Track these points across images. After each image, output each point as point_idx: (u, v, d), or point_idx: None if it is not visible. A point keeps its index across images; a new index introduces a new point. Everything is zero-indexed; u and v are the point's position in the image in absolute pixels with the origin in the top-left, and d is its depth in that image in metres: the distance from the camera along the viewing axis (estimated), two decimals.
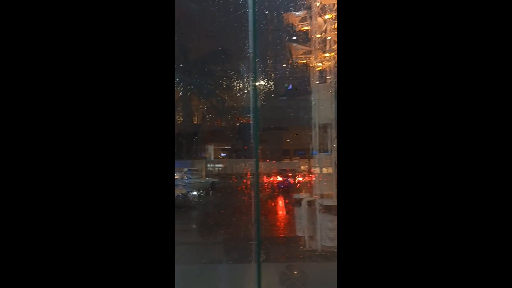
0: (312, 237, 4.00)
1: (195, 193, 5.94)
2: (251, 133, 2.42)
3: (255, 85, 2.44)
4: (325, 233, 3.84)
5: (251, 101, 2.33)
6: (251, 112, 2.33)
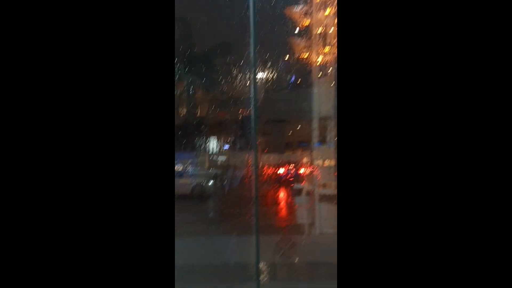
0: (311, 225, 4.16)
1: (211, 183, 6.31)
2: (252, 125, 2.53)
3: (255, 78, 2.54)
4: (323, 221, 3.99)
5: (251, 94, 2.43)
6: (252, 104, 2.44)
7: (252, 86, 2.52)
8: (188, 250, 2.43)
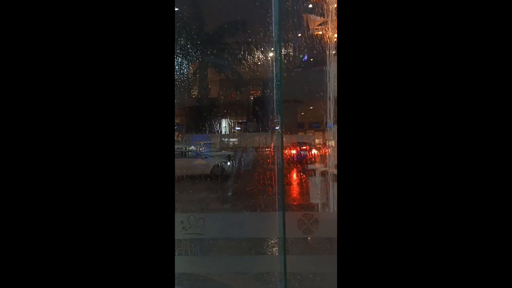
0: (324, 204, 4.22)
1: (229, 163, 6.64)
2: (274, 105, 2.54)
3: (281, 55, 2.49)
4: (336, 200, 4.04)
5: (275, 72, 2.40)
6: (275, 83, 2.42)
7: (275, 65, 2.49)
8: (214, 225, 2.60)
